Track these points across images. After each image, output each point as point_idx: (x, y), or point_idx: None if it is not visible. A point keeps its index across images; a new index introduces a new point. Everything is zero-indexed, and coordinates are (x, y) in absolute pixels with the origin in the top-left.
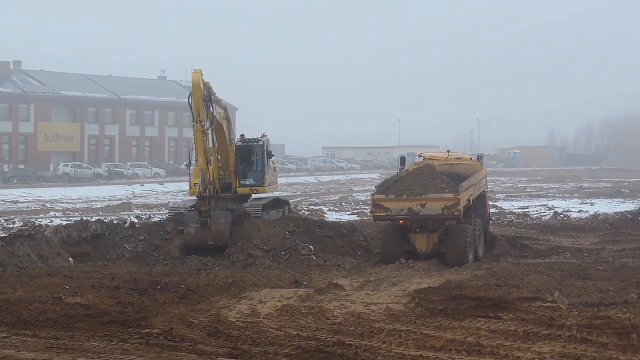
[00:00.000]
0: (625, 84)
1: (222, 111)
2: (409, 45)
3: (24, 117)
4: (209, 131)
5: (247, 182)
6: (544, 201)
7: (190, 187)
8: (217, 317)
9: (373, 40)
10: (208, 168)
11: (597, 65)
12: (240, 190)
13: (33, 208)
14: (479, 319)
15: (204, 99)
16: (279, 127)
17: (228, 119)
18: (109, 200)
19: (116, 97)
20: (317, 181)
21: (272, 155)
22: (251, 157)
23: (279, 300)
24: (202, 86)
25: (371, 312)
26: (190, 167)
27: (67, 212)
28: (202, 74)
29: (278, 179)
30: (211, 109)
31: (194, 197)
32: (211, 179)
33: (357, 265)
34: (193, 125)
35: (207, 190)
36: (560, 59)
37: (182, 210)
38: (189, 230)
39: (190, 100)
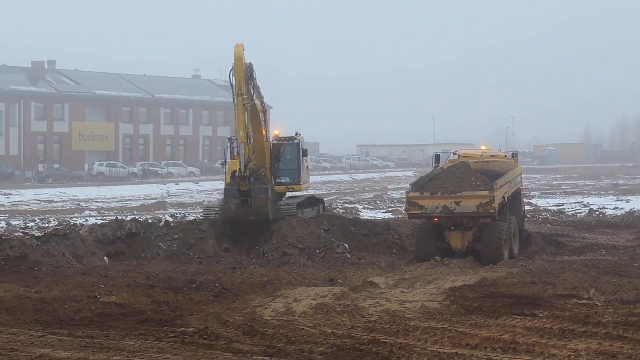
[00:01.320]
0: None
1: (259, 103)
2: (444, 43)
3: (59, 116)
4: (249, 107)
5: (283, 181)
6: (579, 198)
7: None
8: (252, 315)
9: (407, 38)
10: (248, 144)
11: (631, 61)
12: (276, 188)
13: (68, 207)
14: (515, 316)
15: (245, 74)
16: (312, 125)
17: (265, 112)
18: (144, 199)
19: (150, 96)
20: (351, 179)
21: (307, 154)
22: (287, 155)
23: (314, 299)
24: (244, 60)
25: (406, 310)
26: (225, 166)
27: (102, 211)
28: (244, 49)
29: (312, 177)
30: (251, 89)
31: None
32: (250, 157)
33: (392, 263)
34: (234, 99)
35: (248, 170)
36: (593, 55)
37: (216, 210)
38: (229, 207)
39: (231, 75)
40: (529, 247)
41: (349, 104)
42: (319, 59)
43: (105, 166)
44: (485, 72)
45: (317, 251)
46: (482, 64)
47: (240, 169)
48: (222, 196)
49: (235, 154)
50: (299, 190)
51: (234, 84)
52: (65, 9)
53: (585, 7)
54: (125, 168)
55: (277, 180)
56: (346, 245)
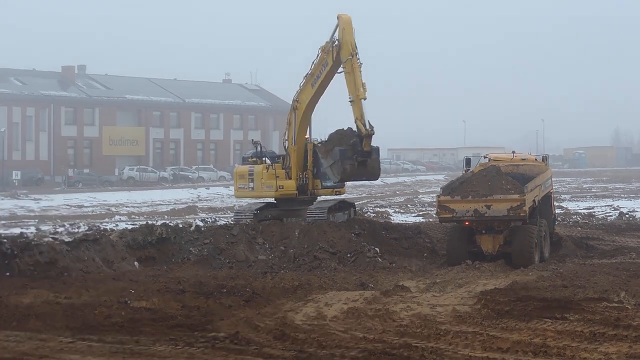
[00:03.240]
0: None
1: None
2: (475, 46)
3: (89, 121)
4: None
5: (328, 184)
6: (609, 201)
7: (275, 190)
8: (283, 320)
9: (437, 37)
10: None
11: None
12: (322, 192)
13: (98, 212)
14: (546, 320)
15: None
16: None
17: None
18: (175, 203)
19: (181, 100)
20: (382, 183)
21: None
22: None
23: (345, 303)
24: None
25: (437, 314)
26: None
27: (133, 216)
28: None
29: None
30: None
31: (266, 201)
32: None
33: (423, 267)
34: (349, 59)
35: (373, 129)
36: (623, 58)
37: (247, 214)
38: (344, 168)
39: (336, 37)
40: (560, 251)
41: (380, 107)
42: None
43: (136, 171)
44: (516, 75)
45: (348, 255)
46: (512, 68)
47: (366, 127)
48: (337, 157)
49: (255, 159)
50: (343, 194)
51: (339, 46)
52: (95, 14)
53: (621, 9)
54: (156, 173)
55: (323, 183)
56: (377, 249)
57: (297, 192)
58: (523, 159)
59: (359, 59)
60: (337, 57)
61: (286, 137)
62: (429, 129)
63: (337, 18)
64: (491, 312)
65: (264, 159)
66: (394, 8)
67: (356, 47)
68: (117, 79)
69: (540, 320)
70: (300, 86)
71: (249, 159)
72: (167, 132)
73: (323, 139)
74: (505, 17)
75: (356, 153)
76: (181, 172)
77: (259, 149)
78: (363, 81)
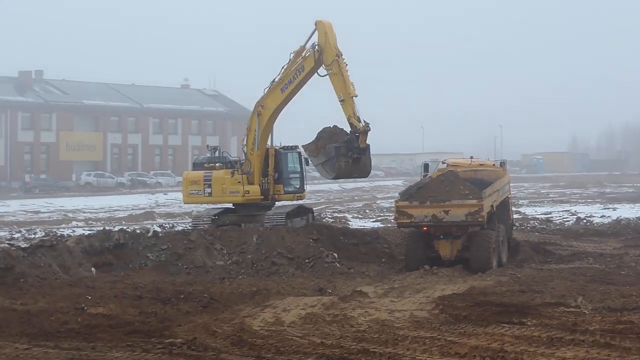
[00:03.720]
0: None
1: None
2: (430, 51)
3: (46, 126)
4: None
5: (290, 190)
6: (566, 207)
7: (242, 195)
8: (240, 326)
9: (394, 45)
10: None
11: (619, 70)
12: (285, 197)
13: (55, 218)
14: (503, 325)
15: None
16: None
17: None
18: (132, 209)
19: (139, 105)
20: (341, 188)
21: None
22: (292, 164)
23: (303, 309)
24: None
25: (395, 320)
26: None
27: (90, 221)
28: None
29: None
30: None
31: (224, 206)
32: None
33: (381, 272)
34: (335, 60)
35: (369, 125)
36: (580, 64)
37: (205, 220)
38: (340, 165)
39: (315, 42)
40: (518, 256)
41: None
42: None
43: (93, 176)
44: (473, 81)
45: (307, 261)
46: (469, 73)
47: (362, 124)
48: (332, 153)
49: (213, 164)
50: (303, 199)
51: (321, 50)
52: (52, 19)
53: (573, 19)
54: (114, 178)
55: (285, 189)
56: (335, 254)
57: (262, 197)
58: (481, 165)
59: (344, 59)
60: (318, 60)
61: (245, 143)
62: (387, 134)
63: (316, 24)
64: (449, 318)
65: (221, 164)
66: (345, 17)
67: (339, 49)
68: (74, 84)
69: (498, 325)
70: (264, 91)
71: (205, 165)
72: (125, 137)
73: (283, 144)
74: (453, 19)
75: (351, 150)
76: (139, 178)
77: (216, 154)
78: (351, 80)
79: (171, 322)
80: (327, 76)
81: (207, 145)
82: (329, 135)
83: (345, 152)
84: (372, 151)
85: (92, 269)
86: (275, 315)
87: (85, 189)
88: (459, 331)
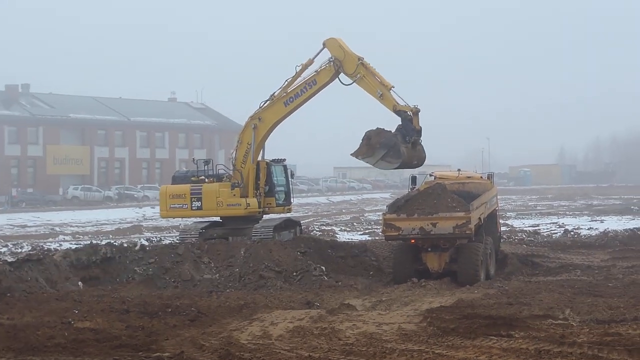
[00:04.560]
0: (634, 101)
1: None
2: (418, 63)
3: (33, 140)
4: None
5: (281, 202)
6: (554, 219)
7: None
8: (228, 339)
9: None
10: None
11: (606, 83)
12: (277, 210)
13: (42, 232)
14: (491, 337)
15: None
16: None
17: None
18: (120, 223)
19: (126, 119)
20: (328, 201)
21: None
22: (279, 176)
23: (291, 322)
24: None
25: (383, 332)
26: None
27: (77, 235)
28: None
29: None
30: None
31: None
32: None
33: (369, 285)
34: (359, 64)
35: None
36: (568, 75)
37: (192, 233)
38: (402, 151)
39: (331, 57)
40: (505, 268)
41: (324, 126)
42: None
43: (80, 190)
44: (461, 93)
45: (294, 274)
46: (458, 85)
47: (410, 106)
48: (393, 140)
49: (198, 177)
50: (290, 212)
51: (341, 62)
52: (39, 32)
53: (559, 32)
54: (101, 192)
55: (276, 201)
56: (323, 268)
57: (260, 210)
58: (468, 177)
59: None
60: (337, 73)
61: (234, 156)
62: None
63: (324, 44)
64: (437, 330)
65: (213, 177)
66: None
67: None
68: (61, 97)
69: (485, 337)
70: (262, 105)
71: (193, 178)
72: (112, 150)
73: (278, 158)
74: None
75: (408, 134)
76: (126, 191)
77: (208, 167)
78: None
79: (158, 336)
80: (355, 83)
81: (193, 159)
82: (376, 133)
83: (403, 138)
84: (357, 163)
85: (79, 283)
86: (263, 329)
87: (73, 202)
88: (447, 344)
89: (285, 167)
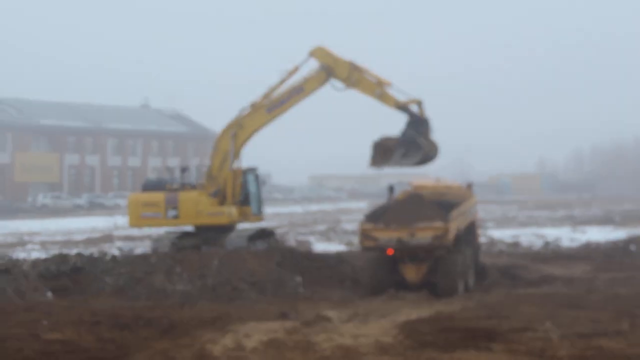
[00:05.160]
0: (615, 111)
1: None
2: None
3: (1, 147)
4: None
5: (255, 211)
6: (535, 229)
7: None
8: (201, 352)
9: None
10: None
11: (585, 93)
12: (254, 219)
13: (10, 241)
14: (470, 350)
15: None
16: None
17: None
18: (90, 232)
19: (97, 126)
20: (304, 211)
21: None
22: (251, 185)
23: (266, 334)
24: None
25: (360, 345)
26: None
27: (46, 245)
28: None
29: (264, 209)
30: None
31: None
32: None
33: (345, 296)
34: (351, 69)
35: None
36: (548, 86)
37: (165, 243)
38: (420, 144)
39: (321, 65)
40: (485, 280)
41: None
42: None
43: (50, 198)
44: (440, 103)
45: (269, 285)
46: (436, 94)
47: (415, 101)
48: (409, 133)
49: (171, 185)
50: (260, 221)
51: (331, 68)
52: (4, 36)
53: (538, 42)
54: (71, 200)
55: (252, 210)
56: (299, 278)
57: (240, 219)
58: (447, 186)
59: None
60: (326, 80)
61: (211, 164)
62: (351, 156)
63: (311, 53)
64: (414, 343)
65: (190, 185)
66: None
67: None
68: (29, 102)
69: (464, 350)
70: (242, 112)
71: (167, 186)
72: (83, 158)
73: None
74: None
75: (419, 126)
76: (97, 200)
77: (180, 174)
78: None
79: (129, 348)
80: (350, 88)
81: (167, 167)
82: (386, 138)
83: (414, 132)
84: (335, 171)
85: (49, 293)
86: (237, 341)
87: (42, 211)
88: (425, 357)
89: (257, 175)
